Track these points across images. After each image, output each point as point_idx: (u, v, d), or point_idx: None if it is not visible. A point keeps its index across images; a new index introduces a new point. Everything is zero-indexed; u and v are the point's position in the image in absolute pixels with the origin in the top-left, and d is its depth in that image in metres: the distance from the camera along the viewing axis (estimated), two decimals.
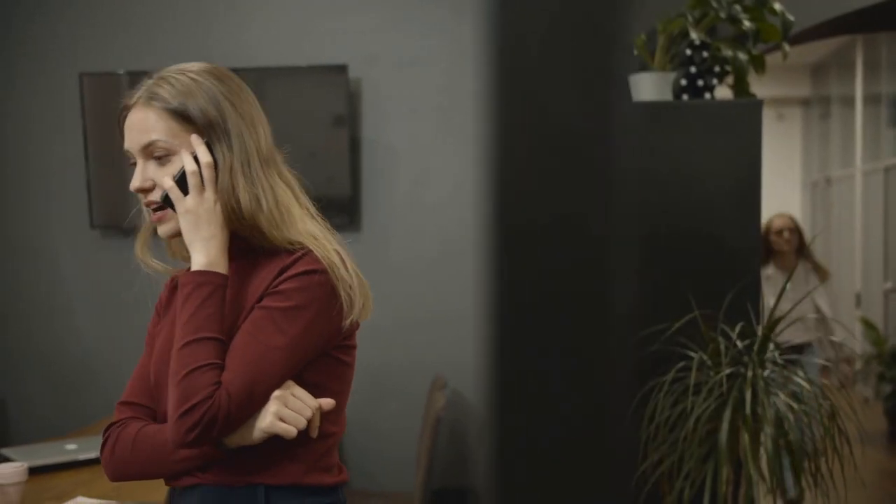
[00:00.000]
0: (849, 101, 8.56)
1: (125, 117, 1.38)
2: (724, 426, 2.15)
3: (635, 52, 2.81)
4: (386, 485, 3.67)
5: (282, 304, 1.29)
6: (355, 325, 1.38)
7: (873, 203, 7.81)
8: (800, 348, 4.12)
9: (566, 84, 0.34)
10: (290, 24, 3.74)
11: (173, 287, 1.49)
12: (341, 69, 3.57)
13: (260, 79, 3.68)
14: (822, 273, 4.34)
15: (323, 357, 1.35)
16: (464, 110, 3.64)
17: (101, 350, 3.86)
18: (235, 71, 3.93)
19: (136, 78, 3.78)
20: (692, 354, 2.32)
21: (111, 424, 1.40)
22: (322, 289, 1.30)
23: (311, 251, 1.32)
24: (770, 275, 4.24)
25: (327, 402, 1.32)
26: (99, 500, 2.33)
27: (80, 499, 2.27)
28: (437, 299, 3.53)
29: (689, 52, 2.72)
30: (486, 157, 0.35)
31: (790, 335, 3.82)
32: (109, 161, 3.78)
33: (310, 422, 1.30)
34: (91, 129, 3.78)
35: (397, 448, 3.67)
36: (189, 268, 1.36)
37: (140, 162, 1.36)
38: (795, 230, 4.35)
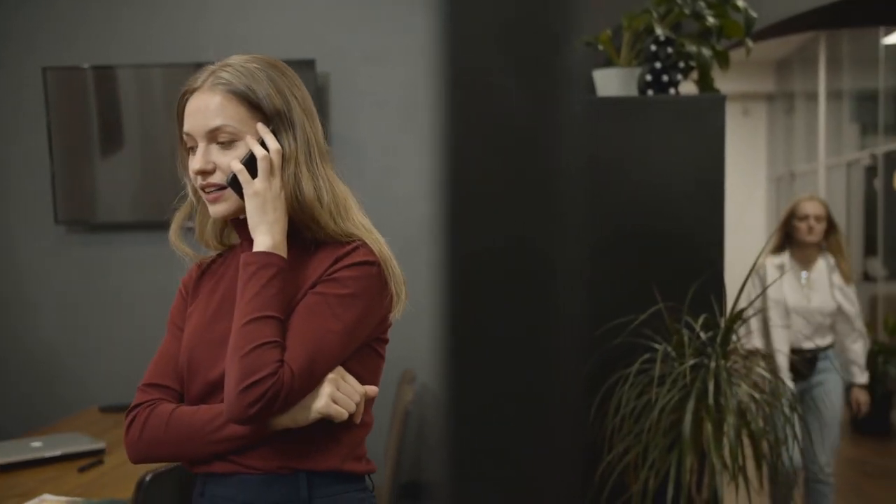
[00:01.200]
0: (812, 97, 8.67)
1: (187, 100, 1.39)
2: (688, 416, 2.18)
3: (601, 48, 2.84)
4: None
5: (338, 290, 1.32)
6: (391, 321, 1.42)
7: (836, 197, 7.92)
8: (814, 355, 3.55)
9: (514, 82, 0.35)
10: (257, 18, 3.73)
11: (202, 272, 1.50)
12: (309, 64, 3.56)
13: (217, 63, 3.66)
14: (844, 275, 3.60)
15: (365, 348, 1.38)
16: (431, 105, 3.64)
17: (66, 346, 3.83)
18: (202, 65, 3.91)
19: (100, 72, 3.78)
20: (657, 346, 2.35)
21: (135, 405, 1.39)
22: (376, 280, 1.34)
23: (365, 243, 1.35)
24: (782, 264, 3.56)
25: (372, 390, 1.37)
26: (65, 499, 2.31)
27: (45, 496, 2.25)
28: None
29: (654, 47, 2.75)
30: (440, 156, 0.36)
31: (806, 339, 3.49)
32: (74, 156, 3.75)
33: (356, 408, 1.33)
34: (55, 123, 3.74)
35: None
36: (234, 263, 1.39)
37: (202, 145, 1.36)
38: (824, 219, 3.57)
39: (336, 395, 1.30)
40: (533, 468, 0.35)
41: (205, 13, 3.76)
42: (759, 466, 2.24)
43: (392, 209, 3.67)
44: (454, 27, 0.35)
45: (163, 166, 3.74)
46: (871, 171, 7.25)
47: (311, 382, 1.28)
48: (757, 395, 2.24)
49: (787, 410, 2.22)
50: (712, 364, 2.24)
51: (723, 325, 2.34)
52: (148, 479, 1.96)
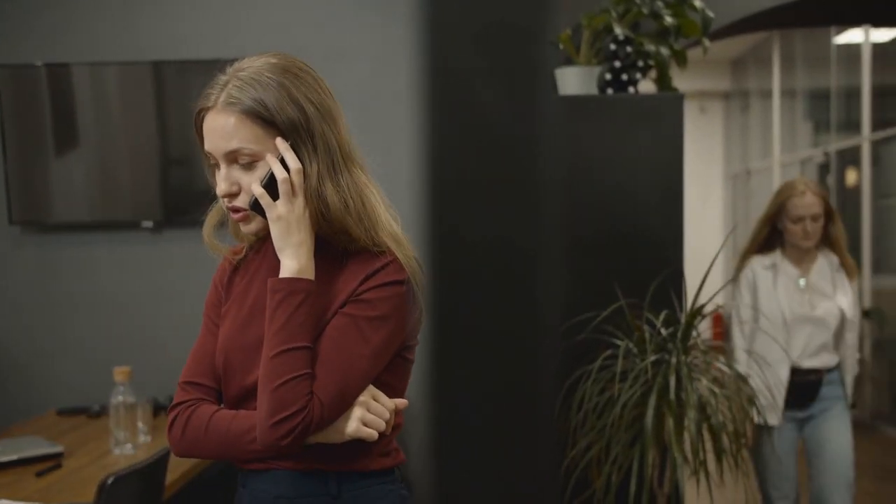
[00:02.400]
0: (767, 95, 8.81)
1: (203, 118, 1.36)
2: (650, 412, 2.21)
3: (561, 47, 2.85)
4: None
5: (367, 313, 1.33)
6: (420, 325, 1.42)
7: None
8: (818, 378, 2.97)
9: (492, 82, 0.35)
10: (216, 16, 3.69)
11: (235, 267, 1.50)
12: None
13: (186, 72, 3.63)
14: (850, 271, 3.03)
15: (396, 358, 1.39)
16: (391, 105, 3.65)
17: (21, 349, 3.76)
18: (159, 64, 3.85)
19: (54, 70, 3.72)
20: (619, 343, 2.38)
21: (177, 404, 1.41)
22: (404, 299, 1.35)
23: (395, 259, 1.34)
24: (774, 265, 2.99)
25: (402, 403, 1.38)
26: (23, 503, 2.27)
27: (3, 501, 2.22)
28: None
29: (613, 46, 2.78)
30: (421, 156, 0.36)
31: (809, 357, 2.93)
32: (28, 155, 3.68)
33: (387, 422, 1.35)
34: (8, 122, 3.67)
35: None
36: (265, 267, 1.40)
37: (223, 166, 1.35)
38: (821, 216, 2.94)
39: (367, 417, 1.32)
40: (515, 461, 0.36)
41: (161, 11, 3.71)
42: (719, 460, 2.28)
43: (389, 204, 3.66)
44: (433, 29, 0.35)
45: (119, 166, 3.69)
46: (824, 168, 7.38)
47: (343, 408, 1.31)
48: (717, 390, 2.27)
49: (745, 404, 2.25)
50: (673, 360, 2.27)
51: (683, 321, 2.37)
52: (110, 481, 1.93)
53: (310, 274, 1.33)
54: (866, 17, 5.78)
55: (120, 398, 2.72)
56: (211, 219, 1.49)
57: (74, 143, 3.69)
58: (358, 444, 1.35)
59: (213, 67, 3.91)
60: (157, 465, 2.18)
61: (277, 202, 1.31)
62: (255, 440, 1.32)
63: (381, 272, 1.33)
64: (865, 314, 6.34)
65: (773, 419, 2.85)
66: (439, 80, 0.36)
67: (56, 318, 3.75)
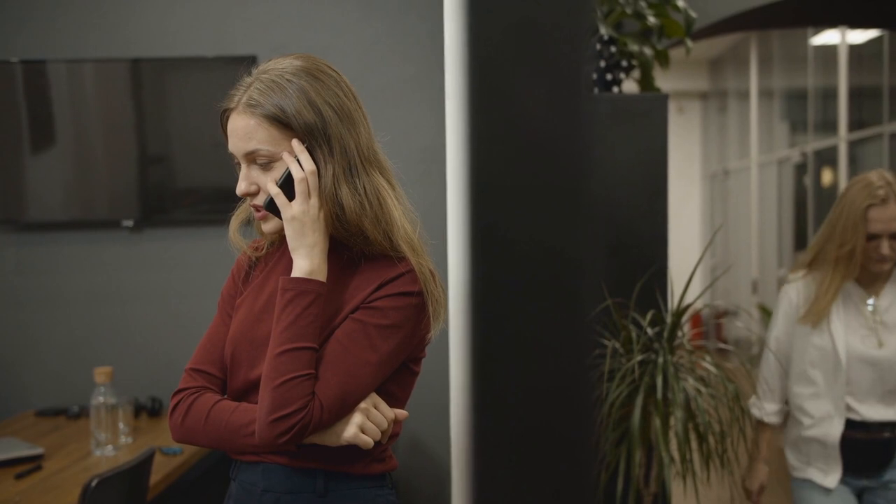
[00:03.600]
0: (744, 95, 8.88)
1: (227, 119, 1.39)
2: (637, 411, 2.21)
3: None
4: None
5: (378, 321, 1.34)
6: (430, 337, 1.43)
7: (767, 193, 8.12)
8: (893, 434, 2.27)
9: (536, 85, 0.34)
10: (197, 13, 3.66)
11: (255, 261, 1.52)
12: (250, 60, 3.51)
13: (165, 69, 3.59)
14: None
15: (401, 368, 1.40)
16: (371, 103, 3.62)
17: None
18: (140, 61, 3.81)
19: (30, 66, 3.67)
20: (605, 342, 2.38)
21: (181, 389, 1.43)
22: (415, 310, 1.36)
23: (412, 270, 1.36)
24: (821, 283, 2.30)
25: (402, 414, 1.39)
26: None
27: None
28: None
29: (598, 46, 2.78)
30: (462, 160, 0.35)
31: (872, 407, 2.26)
32: (8, 154, 3.63)
33: (384, 430, 1.36)
34: None
35: None
36: (282, 264, 1.41)
37: (244, 166, 1.39)
38: None
39: (366, 424, 1.33)
40: (556, 464, 0.35)
41: (139, 7, 3.67)
42: (705, 460, 2.29)
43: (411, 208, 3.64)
44: (475, 31, 0.34)
45: (96, 164, 3.65)
46: (800, 169, 7.44)
47: (343, 413, 1.32)
48: (703, 389, 2.28)
49: (731, 403, 2.26)
50: (660, 359, 2.27)
51: (669, 320, 2.37)
52: (93, 484, 1.91)
53: (321, 275, 1.34)
54: (843, 19, 5.84)
55: (101, 399, 2.69)
56: (238, 216, 1.52)
57: (51, 140, 3.64)
58: (352, 446, 1.35)
59: (192, 64, 3.91)
60: (141, 467, 2.16)
61: (293, 203, 1.34)
62: (253, 434, 1.33)
63: (397, 281, 1.35)
64: None
65: (829, 480, 2.28)
66: (483, 84, 0.35)
67: (34, 317, 3.70)
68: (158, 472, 2.46)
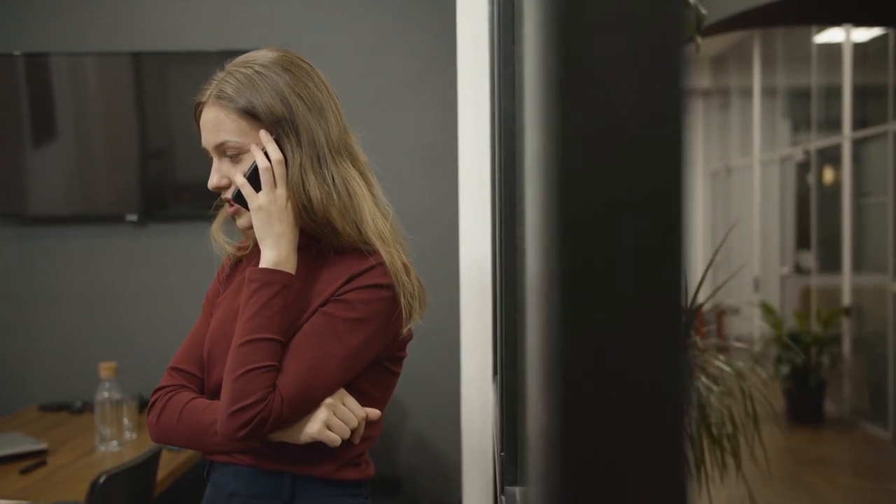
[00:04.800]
0: (747, 93, 8.86)
1: (200, 114, 1.38)
2: None
3: None
4: None
5: (346, 314, 1.30)
6: (409, 336, 1.39)
7: (769, 192, 8.11)
8: None
9: (629, 81, 0.33)
10: (200, 7, 3.64)
11: (238, 260, 1.49)
12: None
13: (167, 63, 3.57)
14: None
15: (376, 366, 1.36)
16: (377, 98, 3.61)
17: (2, 344, 3.69)
18: (142, 55, 3.79)
19: (32, 60, 3.65)
20: None
21: (160, 388, 1.40)
22: (386, 303, 1.31)
23: (382, 262, 1.32)
24: None
25: (373, 413, 1.35)
26: (7, 502, 2.22)
27: None
28: None
29: None
30: (543, 161, 0.33)
31: None
32: (10, 148, 3.61)
33: (354, 430, 1.32)
34: None
35: None
36: (250, 257, 1.36)
37: (215, 160, 1.37)
38: None
39: (332, 420, 1.29)
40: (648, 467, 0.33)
41: (142, 1, 3.65)
42: (717, 459, 2.27)
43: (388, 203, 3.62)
44: (563, 20, 0.33)
45: (97, 158, 3.62)
46: (802, 167, 7.43)
47: (305, 408, 1.28)
48: (714, 388, 2.26)
49: (742, 402, 2.25)
50: None
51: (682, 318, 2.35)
52: (101, 480, 1.89)
53: (289, 266, 1.31)
54: (847, 17, 5.82)
55: (106, 394, 2.67)
56: (221, 215, 1.49)
57: (52, 134, 3.62)
58: (322, 448, 1.31)
59: (194, 59, 3.89)
60: (148, 463, 2.14)
61: (259, 193, 1.31)
62: None
63: (367, 274, 1.31)
64: (846, 312, 6.41)
65: None
66: (571, 80, 0.33)
67: (37, 312, 3.68)
68: (164, 468, 2.44)
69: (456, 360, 2.58)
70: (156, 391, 1.40)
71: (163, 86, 3.63)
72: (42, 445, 2.64)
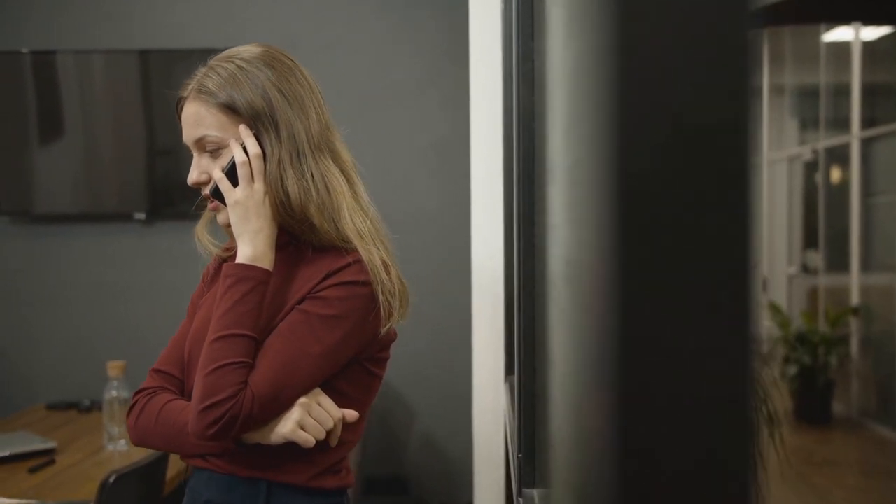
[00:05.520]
0: (755, 92, 8.81)
1: (181, 109, 1.37)
2: None
3: None
4: None
5: (322, 311, 1.27)
6: (392, 337, 1.36)
7: (778, 191, 8.09)
8: None
9: (697, 71, 0.31)
10: (207, 5, 3.62)
11: (223, 261, 1.45)
12: None
13: (172, 61, 3.56)
14: None
15: (355, 366, 1.33)
16: (384, 97, 3.60)
17: (9, 341, 3.69)
18: (149, 53, 3.78)
19: (40, 57, 3.63)
20: None
21: (141, 389, 1.39)
22: (363, 300, 1.29)
23: (360, 259, 1.29)
24: None
25: (350, 414, 1.31)
26: (16, 501, 2.21)
27: None
28: None
29: None
30: (607, 153, 0.32)
31: None
32: (17, 145, 3.60)
33: (331, 432, 1.29)
34: None
35: None
36: (234, 257, 1.33)
37: (196, 155, 1.36)
38: None
39: (305, 420, 1.25)
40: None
41: None
42: None
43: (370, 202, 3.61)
44: (628, 16, 0.31)
45: (105, 156, 3.62)
46: (810, 166, 7.40)
47: (278, 406, 1.25)
48: None
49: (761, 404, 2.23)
50: None
51: None
52: (111, 480, 1.88)
53: (266, 262, 1.28)
54: (857, 15, 5.80)
55: (114, 393, 2.66)
56: (206, 216, 1.46)
57: (59, 132, 3.61)
58: (298, 453, 1.29)
59: (201, 57, 3.89)
60: (158, 463, 2.13)
61: (236, 188, 1.29)
62: None
63: (344, 271, 1.29)
64: (854, 311, 6.38)
65: None
66: (637, 73, 0.31)
67: (45, 310, 3.67)
68: (174, 467, 2.43)
69: (466, 360, 2.56)
70: (136, 393, 1.39)
71: (169, 83, 3.62)
72: (50, 444, 2.63)
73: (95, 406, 3.22)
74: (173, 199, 3.57)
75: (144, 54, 3.55)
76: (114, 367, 2.68)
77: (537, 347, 1.15)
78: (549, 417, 0.99)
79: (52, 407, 3.34)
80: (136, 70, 3.58)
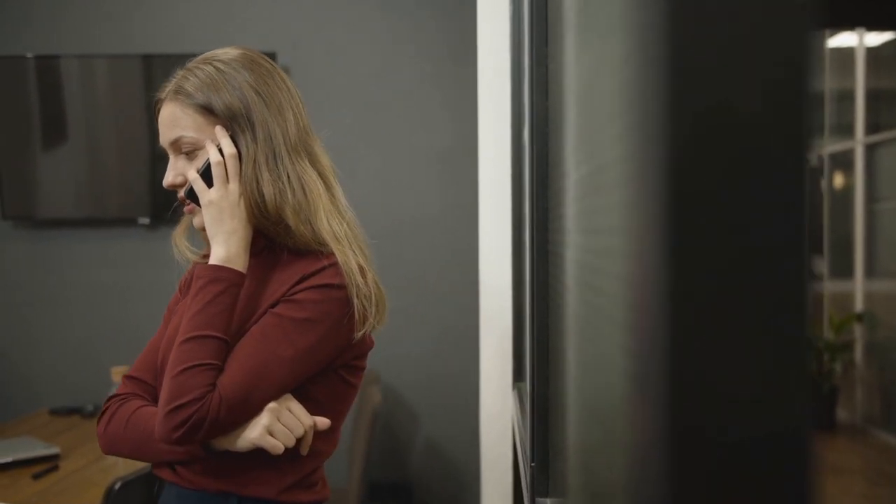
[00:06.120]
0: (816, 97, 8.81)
1: (158, 111, 1.36)
2: None
3: None
4: None
5: (295, 314, 1.25)
6: (369, 345, 1.34)
7: None
8: None
9: (754, 70, 0.30)
10: (218, 9, 3.62)
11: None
12: (270, 56, 3.47)
13: (175, 65, 3.52)
14: None
15: (330, 374, 1.31)
16: (390, 101, 3.59)
17: (13, 346, 3.67)
18: (157, 57, 3.78)
19: (43, 62, 3.63)
20: None
21: (113, 396, 1.37)
22: (338, 304, 1.26)
23: (336, 262, 1.27)
24: None
25: (322, 422, 1.28)
26: None
27: None
28: None
29: None
30: (659, 158, 0.30)
31: None
32: (21, 150, 3.59)
33: (302, 439, 1.26)
34: (1, 115, 3.58)
35: None
36: (207, 258, 1.31)
37: (172, 157, 1.34)
38: None
39: (274, 426, 1.22)
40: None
41: (152, 3, 3.63)
42: None
43: (351, 206, 3.59)
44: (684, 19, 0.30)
45: (109, 161, 3.61)
46: (815, 172, 7.38)
47: (246, 410, 1.22)
48: None
49: None
50: None
51: None
52: (117, 486, 1.87)
53: (239, 264, 1.27)
54: (860, 21, 5.78)
55: None
56: (184, 221, 1.45)
57: (63, 137, 3.60)
58: (270, 464, 1.26)
59: None
60: None
61: (211, 188, 1.28)
62: None
63: (319, 274, 1.27)
64: (858, 318, 6.36)
65: None
66: (689, 74, 0.30)
67: (49, 315, 3.66)
68: None
69: (471, 364, 2.55)
70: (108, 400, 1.37)
71: None
72: (54, 450, 2.62)
73: (98, 411, 3.20)
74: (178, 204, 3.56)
75: (148, 59, 3.54)
76: (118, 373, 2.68)
77: (551, 355, 1.14)
78: (565, 426, 0.97)
79: (55, 412, 3.33)
80: (139, 75, 3.57)
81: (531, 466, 1.23)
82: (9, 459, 2.51)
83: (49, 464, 2.54)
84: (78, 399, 3.46)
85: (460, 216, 3.45)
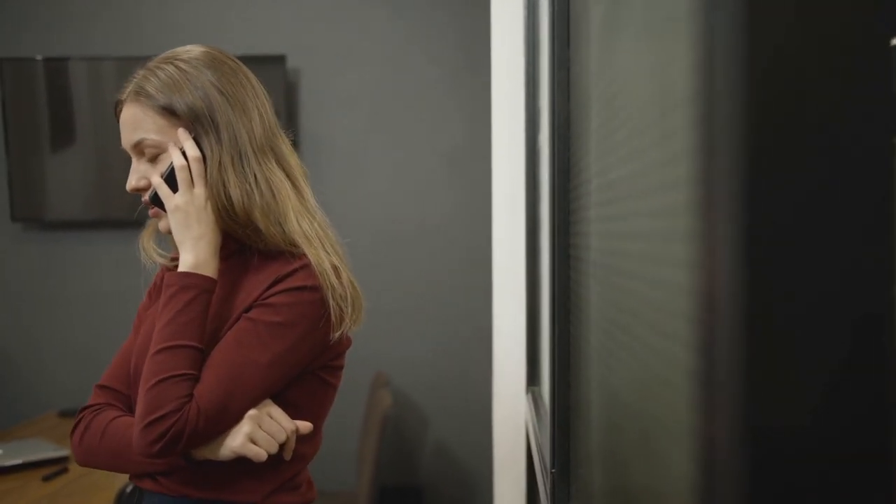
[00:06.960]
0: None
1: (119, 113, 1.31)
2: None
3: None
4: (324, 483, 3.59)
5: (270, 318, 1.22)
6: (346, 344, 1.31)
7: None
8: None
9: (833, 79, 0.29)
10: (228, 12, 3.62)
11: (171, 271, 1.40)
12: (280, 59, 3.47)
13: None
14: None
15: (308, 376, 1.28)
16: (398, 103, 3.58)
17: (21, 348, 3.67)
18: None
19: (52, 64, 3.62)
20: None
21: (86, 407, 1.34)
22: (312, 306, 1.23)
23: (308, 264, 1.24)
24: None
25: (304, 426, 1.25)
26: None
27: None
28: (375, 295, 3.45)
29: None
30: (728, 161, 0.29)
31: None
32: (30, 152, 3.59)
33: (284, 444, 1.23)
34: (10, 118, 3.58)
35: (337, 446, 3.59)
36: (177, 265, 1.27)
37: (134, 160, 1.30)
38: None
39: (256, 434, 1.20)
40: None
41: (160, 5, 3.63)
42: None
43: (361, 208, 3.59)
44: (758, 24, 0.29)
45: (117, 163, 3.60)
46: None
47: (226, 419, 1.19)
48: None
49: None
50: None
51: None
52: (128, 490, 1.85)
53: (209, 270, 1.23)
54: None
55: None
56: (152, 225, 1.40)
57: (71, 139, 3.60)
58: (252, 470, 1.24)
59: None
60: None
61: (176, 193, 1.24)
62: None
63: (291, 276, 1.23)
64: None
65: None
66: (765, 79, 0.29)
67: (57, 316, 3.66)
68: None
69: (482, 368, 2.54)
70: (81, 410, 1.34)
71: None
72: (64, 452, 2.61)
73: None
74: None
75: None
76: None
77: (572, 360, 1.12)
78: (589, 432, 0.96)
79: (64, 414, 3.32)
80: None
81: (552, 473, 1.22)
82: (19, 461, 2.51)
83: (59, 466, 2.53)
84: (86, 401, 3.45)
85: (473, 219, 3.45)
